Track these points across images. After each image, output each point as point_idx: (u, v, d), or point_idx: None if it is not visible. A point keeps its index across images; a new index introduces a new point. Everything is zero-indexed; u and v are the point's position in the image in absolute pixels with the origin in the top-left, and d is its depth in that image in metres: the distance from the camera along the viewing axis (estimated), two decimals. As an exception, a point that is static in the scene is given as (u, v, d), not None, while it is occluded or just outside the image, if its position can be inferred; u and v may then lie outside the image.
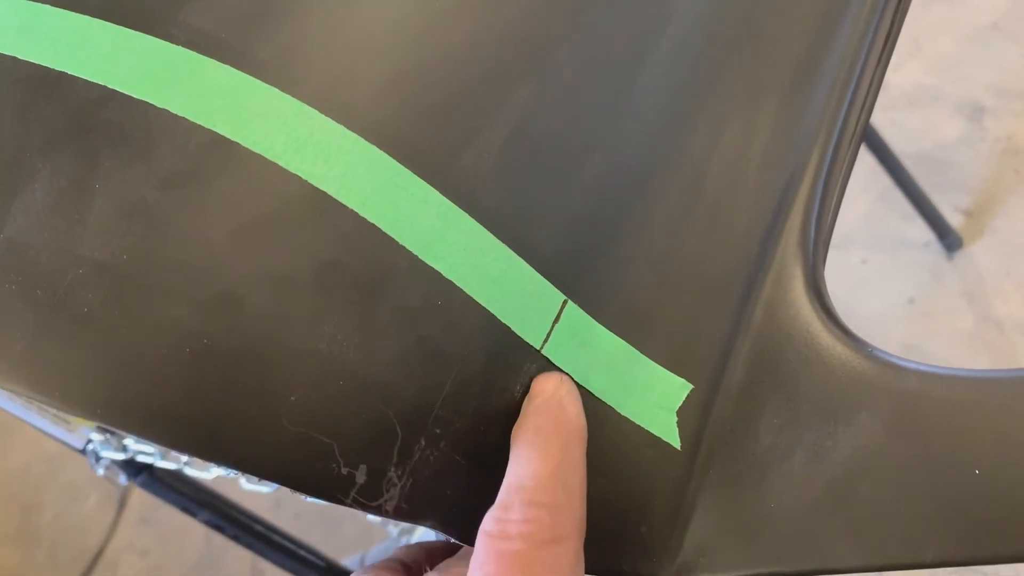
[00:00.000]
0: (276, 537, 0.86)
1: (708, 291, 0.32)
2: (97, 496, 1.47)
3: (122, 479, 0.79)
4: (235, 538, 0.85)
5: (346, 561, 0.89)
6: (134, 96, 0.27)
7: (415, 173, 0.29)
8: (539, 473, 0.27)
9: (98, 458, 0.78)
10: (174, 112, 0.27)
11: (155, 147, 0.27)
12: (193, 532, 1.36)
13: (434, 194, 0.29)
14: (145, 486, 0.80)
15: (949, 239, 1.27)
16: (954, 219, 1.29)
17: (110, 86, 0.28)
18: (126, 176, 0.27)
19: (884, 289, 1.30)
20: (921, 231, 1.29)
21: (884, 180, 1.23)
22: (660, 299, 0.32)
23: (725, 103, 0.34)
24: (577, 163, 0.31)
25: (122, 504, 1.47)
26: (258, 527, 0.85)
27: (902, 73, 1.39)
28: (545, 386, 0.30)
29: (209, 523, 0.84)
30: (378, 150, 0.28)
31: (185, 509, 0.82)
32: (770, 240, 0.33)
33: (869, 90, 0.36)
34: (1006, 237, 1.28)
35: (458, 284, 0.29)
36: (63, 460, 1.49)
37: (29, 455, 1.52)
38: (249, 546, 0.85)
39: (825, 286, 0.33)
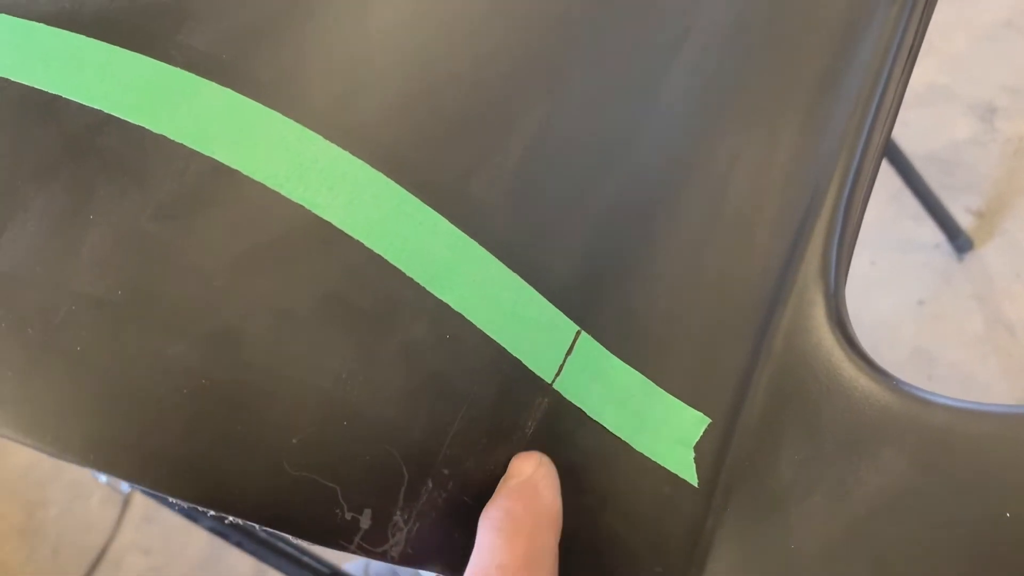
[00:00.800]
0: (280, 544, 0.85)
1: (726, 319, 0.31)
2: (101, 494, 1.47)
3: (124, 486, 0.78)
4: (239, 544, 0.84)
5: (348, 566, 0.88)
6: (130, 121, 0.26)
7: (423, 201, 0.27)
8: (504, 563, 0.26)
9: (98, 465, 0.77)
10: (172, 138, 0.26)
11: (152, 175, 0.26)
12: (197, 532, 1.36)
13: (443, 223, 0.27)
14: (148, 492, 0.79)
15: (959, 241, 1.25)
16: (964, 220, 1.28)
17: (105, 110, 0.26)
18: (122, 206, 0.26)
19: (893, 291, 1.28)
20: (931, 232, 1.27)
21: (894, 181, 1.21)
22: (676, 328, 0.31)
23: (744, 121, 0.33)
24: (591, 188, 0.30)
25: (126, 502, 1.46)
26: (262, 533, 0.85)
27: (914, 72, 1.37)
28: (522, 467, 0.28)
29: (213, 530, 0.83)
30: (384, 177, 0.27)
31: (188, 515, 0.82)
32: (791, 265, 0.32)
33: (892, 105, 0.35)
34: (1017, 239, 1.27)
35: (467, 316, 0.27)
36: (67, 458, 1.49)
37: (34, 452, 1.52)
38: (253, 553, 0.85)
39: (847, 313, 0.32)
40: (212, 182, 0.26)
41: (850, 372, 0.30)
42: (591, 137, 0.30)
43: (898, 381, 0.30)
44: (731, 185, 0.32)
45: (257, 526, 0.25)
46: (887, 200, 1.31)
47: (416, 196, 0.27)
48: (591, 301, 0.30)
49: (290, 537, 0.25)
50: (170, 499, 0.25)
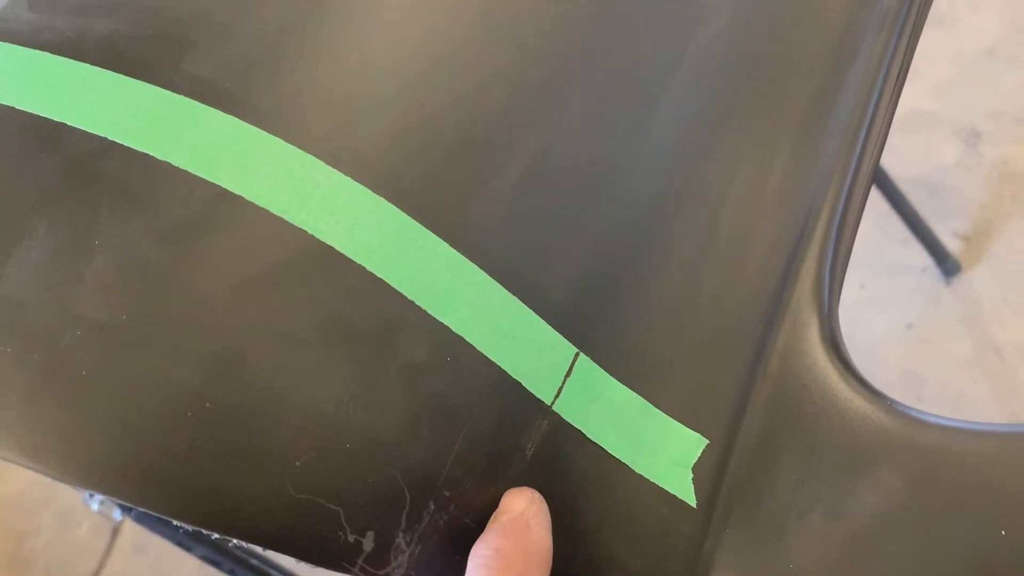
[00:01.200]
0: (273, 572, 0.84)
1: (723, 339, 0.32)
2: (91, 523, 1.46)
3: (116, 514, 0.78)
4: (231, 572, 0.84)
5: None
6: (135, 148, 0.27)
7: (424, 225, 0.28)
8: None
9: (92, 492, 0.76)
10: (176, 165, 0.26)
11: (156, 201, 0.26)
12: (188, 560, 1.35)
13: (443, 247, 0.28)
14: (140, 520, 0.79)
15: (947, 264, 1.26)
16: (952, 244, 1.29)
17: (110, 137, 0.27)
18: (126, 231, 0.26)
19: (883, 314, 1.29)
20: (919, 256, 1.29)
21: (882, 205, 1.22)
22: (674, 349, 0.31)
23: (738, 145, 0.34)
24: (588, 213, 0.31)
25: (116, 532, 1.45)
26: (254, 561, 0.84)
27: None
28: (513, 504, 0.28)
29: (205, 558, 0.82)
30: (385, 202, 0.28)
31: (180, 544, 0.81)
32: (785, 286, 0.32)
33: (880, 130, 0.36)
34: (1003, 262, 1.28)
35: (467, 339, 0.28)
36: (57, 485, 1.48)
37: (24, 480, 1.50)
38: (245, 581, 0.84)
39: (841, 335, 0.32)
40: (216, 208, 0.26)
41: (845, 393, 0.31)
42: (587, 163, 0.31)
43: (892, 401, 0.30)
44: (725, 209, 0.33)
45: (259, 550, 0.25)
46: (875, 224, 1.32)
47: (417, 220, 0.28)
48: (589, 323, 0.30)
49: (291, 562, 0.25)
50: (173, 522, 0.25)
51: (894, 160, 1.31)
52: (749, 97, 0.34)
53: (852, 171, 0.34)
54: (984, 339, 1.24)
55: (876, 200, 1.22)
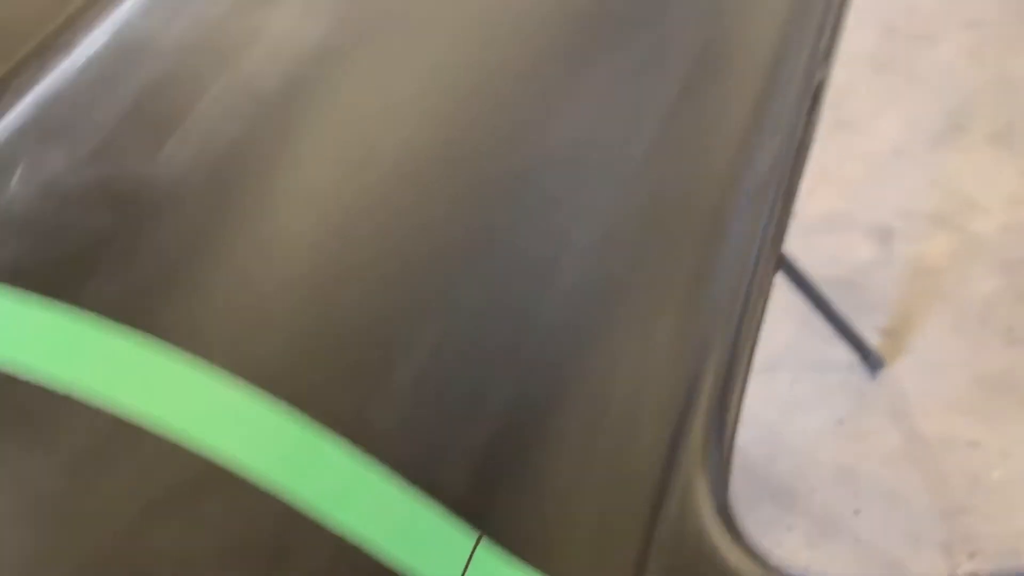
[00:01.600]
0: None
1: (618, 510, 0.33)
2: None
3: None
4: None
5: None
6: (34, 379, 0.28)
7: (323, 426, 0.29)
8: None
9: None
10: (77, 394, 0.28)
11: (56, 433, 0.27)
12: None
13: (340, 452, 0.29)
14: None
15: (871, 359, 1.30)
16: (874, 339, 1.34)
17: (10, 369, 0.28)
18: (27, 465, 0.27)
19: (813, 411, 1.32)
20: (845, 352, 1.33)
21: (804, 304, 1.27)
22: (573, 522, 0.33)
23: (625, 321, 0.36)
24: (483, 399, 0.32)
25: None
26: None
27: (813, 200, 1.45)
28: None
29: None
30: (283, 414, 0.29)
31: None
32: (675, 454, 0.34)
33: (760, 294, 0.38)
34: (924, 355, 1.33)
35: (365, 544, 0.29)
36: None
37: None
38: None
39: (730, 504, 0.34)
40: (115, 437, 0.27)
41: (736, 562, 0.32)
42: (481, 353, 0.33)
43: (781, 570, 0.32)
44: (614, 386, 0.34)
45: None
46: (800, 323, 1.36)
47: (316, 422, 0.29)
48: (489, 505, 0.31)
49: None
50: None
51: (812, 261, 1.36)
52: (633, 277, 0.36)
53: (733, 336, 0.36)
54: (911, 431, 1.28)
55: (798, 300, 1.27)
